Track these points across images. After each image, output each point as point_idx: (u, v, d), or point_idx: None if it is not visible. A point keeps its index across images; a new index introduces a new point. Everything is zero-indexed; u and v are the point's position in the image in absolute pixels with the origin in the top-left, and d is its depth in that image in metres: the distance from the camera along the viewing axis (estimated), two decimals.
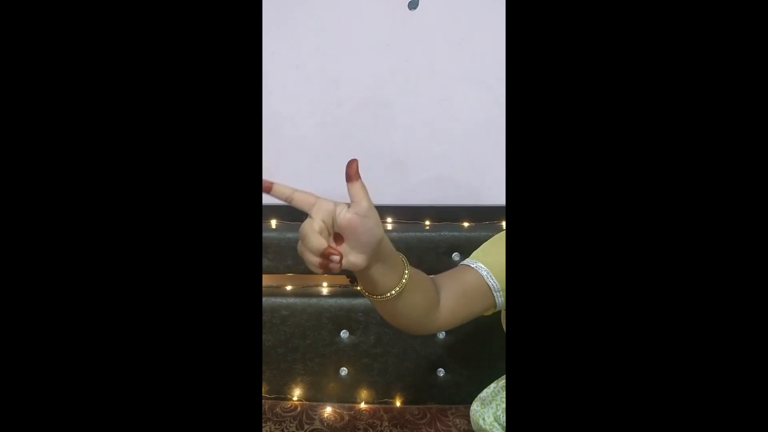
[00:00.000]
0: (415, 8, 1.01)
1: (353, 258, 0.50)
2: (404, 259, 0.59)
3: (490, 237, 0.74)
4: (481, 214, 1.08)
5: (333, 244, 0.50)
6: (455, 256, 1.05)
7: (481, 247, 0.72)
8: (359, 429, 1.00)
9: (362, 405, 1.07)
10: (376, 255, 0.52)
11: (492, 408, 0.84)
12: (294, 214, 1.09)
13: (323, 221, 0.48)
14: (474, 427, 0.89)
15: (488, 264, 0.67)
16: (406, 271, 0.57)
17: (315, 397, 1.08)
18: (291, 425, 1.00)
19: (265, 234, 1.06)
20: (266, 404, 1.06)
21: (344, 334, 1.07)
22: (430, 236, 1.05)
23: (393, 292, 0.57)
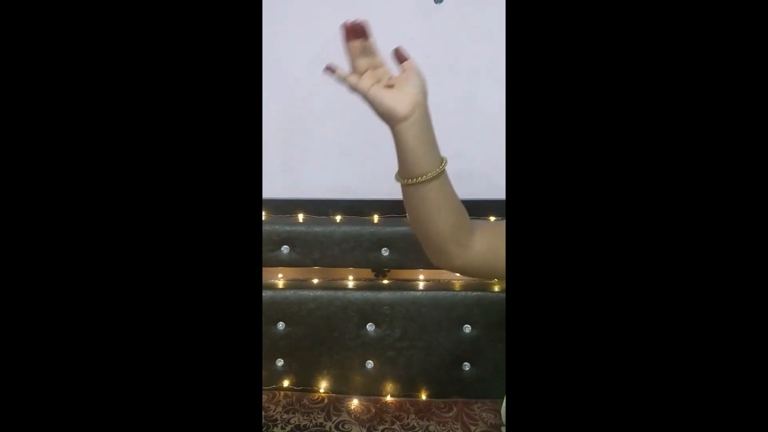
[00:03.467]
0: (441, 1, 1.01)
1: (399, 103, 0.56)
2: (444, 159, 0.61)
3: None
4: (504, 208, 1.08)
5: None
6: None
7: None
8: (386, 421, 1.01)
9: (388, 398, 1.08)
10: (417, 117, 0.58)
11: None
12: (320, 209, 1.11)
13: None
14: (504, 421, 0.89)
15: None
16: (443, 164, 0.60)
17: (341, 389, 1.09)
18: (319, 417, 1.02)
19: (291, 228, 1.07)
20: (294, 396, 1.07)
21: (370, 327, 1.08)
22: None
23: (427, 176, 0.58)
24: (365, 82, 0.58)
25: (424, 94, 0.58)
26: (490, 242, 0.64)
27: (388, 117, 0.58)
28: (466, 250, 0.63)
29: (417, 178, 0.58)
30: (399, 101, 0.57)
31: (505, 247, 0.64)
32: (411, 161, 0.59)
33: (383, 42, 1.04)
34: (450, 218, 0.61)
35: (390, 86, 0.58)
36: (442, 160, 0.60)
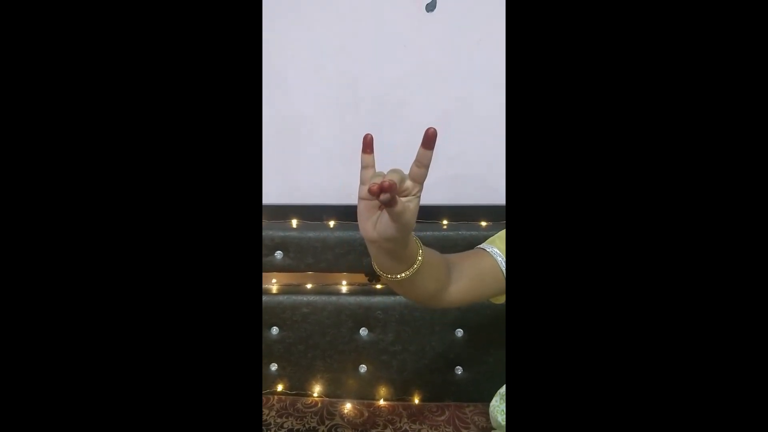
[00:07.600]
0: (432, 10, 1.03)
1: (389, 228, 0.54)
2: (419, 242, 0.60)
3: None
4: (498, 214, 1.09)
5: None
6: None
7: (498, 234, 0.74)
8: (379, 425, 1.02)
9: (381, 402, 1.09)
10: (384, 244, 0.55)
11: None
12: (315, 215, 1.12)
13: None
14: (493, 423, 0.90)
15: (503, 250, 0.69)
16: (419, 257, 0.59)
17: (335, 393, 1.10)
18: (312, 421, 1.02)
19: (285, 233, 1.08)
20: (287, 400, 1.08)
21: (363, 331, 1.09)
22: (448, 235, 1.06)
23: (404, 274, 0.59)
24: (361, 191, 0.56)
25: (407, 229, 0.55)
26: (466, 274, 0.68)
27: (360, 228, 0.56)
28: (448, 293, 0.67)
29: (395, 276, 0.59)
30: (372, 227, 0.55)
31: (479, 273, 0.69)
32: (383, 267, 0.59)
33: (380, 47, 1.06)
34: (431, 286, 0.64)
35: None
36: (416, 259, 0.59)
